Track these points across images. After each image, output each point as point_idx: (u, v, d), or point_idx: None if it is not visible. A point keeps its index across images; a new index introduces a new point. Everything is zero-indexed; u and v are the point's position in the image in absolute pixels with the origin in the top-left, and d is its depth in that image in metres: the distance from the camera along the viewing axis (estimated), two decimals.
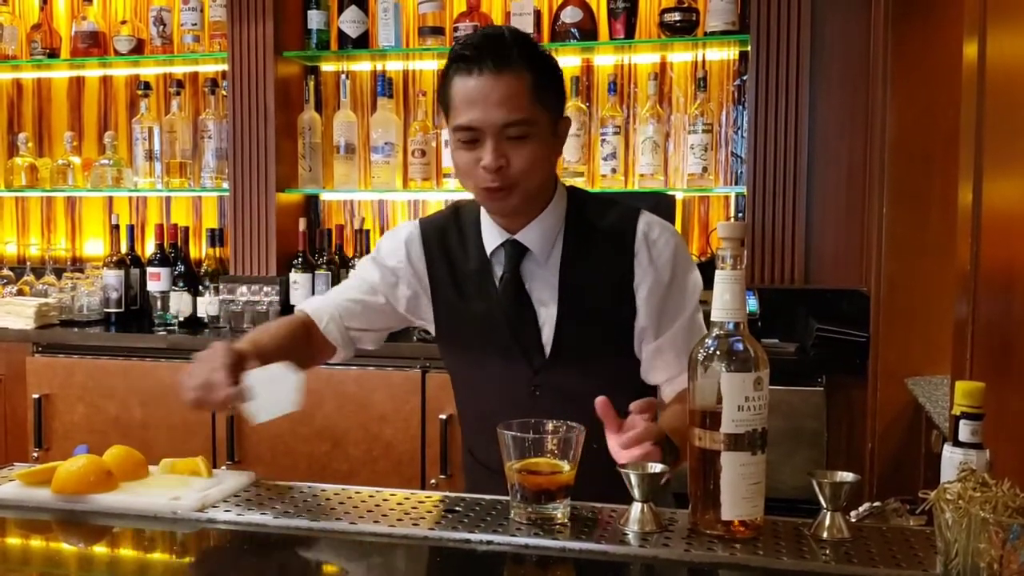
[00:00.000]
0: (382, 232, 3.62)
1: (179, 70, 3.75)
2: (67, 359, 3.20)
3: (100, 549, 1.36)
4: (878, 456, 2.80)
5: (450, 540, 1.28)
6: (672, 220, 3.10)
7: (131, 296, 3.53)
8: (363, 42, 3.44)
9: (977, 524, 1.02)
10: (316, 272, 3.37)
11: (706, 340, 1.26)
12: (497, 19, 3.41)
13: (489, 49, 1.52)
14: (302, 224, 3.42)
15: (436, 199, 3.57)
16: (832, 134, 3.16)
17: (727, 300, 1.25)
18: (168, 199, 3.81)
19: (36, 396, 3.17)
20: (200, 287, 3.45)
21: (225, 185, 3.52)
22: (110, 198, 3.85)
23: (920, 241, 2.73)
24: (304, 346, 1.68)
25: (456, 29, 3.33)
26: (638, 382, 1.67)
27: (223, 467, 2.79)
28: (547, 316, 1.64)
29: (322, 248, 3.44)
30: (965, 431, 1.21)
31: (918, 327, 2.73)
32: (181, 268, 3.48)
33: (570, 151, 3.26)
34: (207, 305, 3.40)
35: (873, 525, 1.36)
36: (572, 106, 3.27)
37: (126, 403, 3.12)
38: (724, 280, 1.25)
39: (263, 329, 1.69)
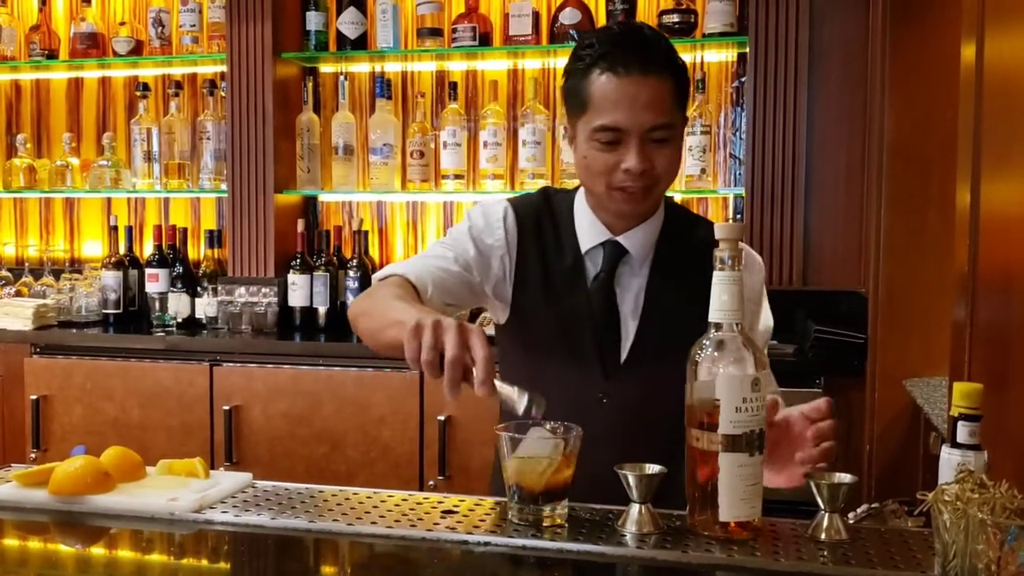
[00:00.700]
0: (381, 233, 3.62)
1: (178, 71, 3.75)
2: (65, 360, 3.20)
3: (97, 550, 1.36)
4: (876, 457, 2.80)
5: (448, 541, 1.28)
6: None
7: (129, 297, 3.53)
8: (362, 43, 3.44)
9: (975, 525, 1.02)
10: (314, 273, 3.37)
11: (704, 341, 1.26)
12: (496, 20, 3.41)
13: (635, 49, 1.50)
14: (300, 225, 3.42)
15: (435, 200, 3.57)
16: (830, 136, 3.17)
17: (725, 301, 1.25)
18: (166, 200, 3.81)
19: (34, 397, 3.16)
20: (198, 288, 3.45)
21: (223, 186, 3.51)
22: (108, 199, 3.85)
23: (918, 243, 2.73)
24: None
25: (454, 30, 3.33)
26: None
27: (221, 468, 2.79)
28: (630, 323, 1.61)
29: (320, 249, 3.44)
30: (963, 432, 1.21)
31: (916, 329, 2.73)
32: (179, 269, 3.48)
33: (570, 152, 3.25)
34: (205, 306, 3.40)
35: (871, 526, 1.36)
36: None
37: (124, 404, 3.12)
38: (722, 281, 1.25)
39: (404, 296, 1.49)
